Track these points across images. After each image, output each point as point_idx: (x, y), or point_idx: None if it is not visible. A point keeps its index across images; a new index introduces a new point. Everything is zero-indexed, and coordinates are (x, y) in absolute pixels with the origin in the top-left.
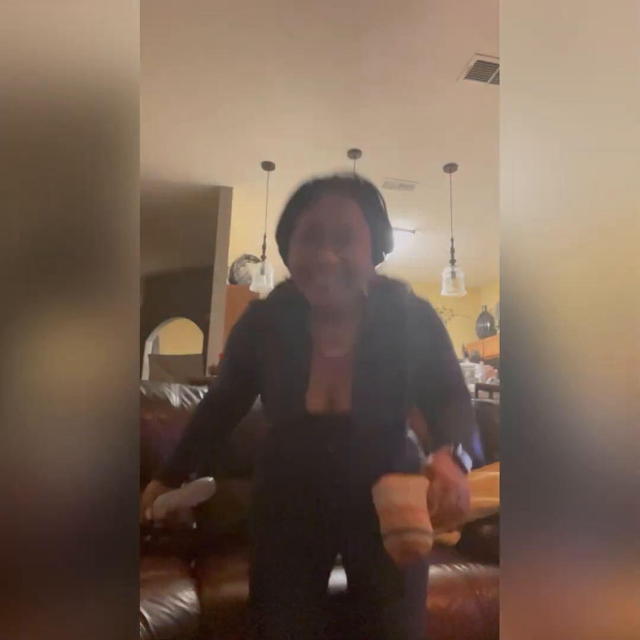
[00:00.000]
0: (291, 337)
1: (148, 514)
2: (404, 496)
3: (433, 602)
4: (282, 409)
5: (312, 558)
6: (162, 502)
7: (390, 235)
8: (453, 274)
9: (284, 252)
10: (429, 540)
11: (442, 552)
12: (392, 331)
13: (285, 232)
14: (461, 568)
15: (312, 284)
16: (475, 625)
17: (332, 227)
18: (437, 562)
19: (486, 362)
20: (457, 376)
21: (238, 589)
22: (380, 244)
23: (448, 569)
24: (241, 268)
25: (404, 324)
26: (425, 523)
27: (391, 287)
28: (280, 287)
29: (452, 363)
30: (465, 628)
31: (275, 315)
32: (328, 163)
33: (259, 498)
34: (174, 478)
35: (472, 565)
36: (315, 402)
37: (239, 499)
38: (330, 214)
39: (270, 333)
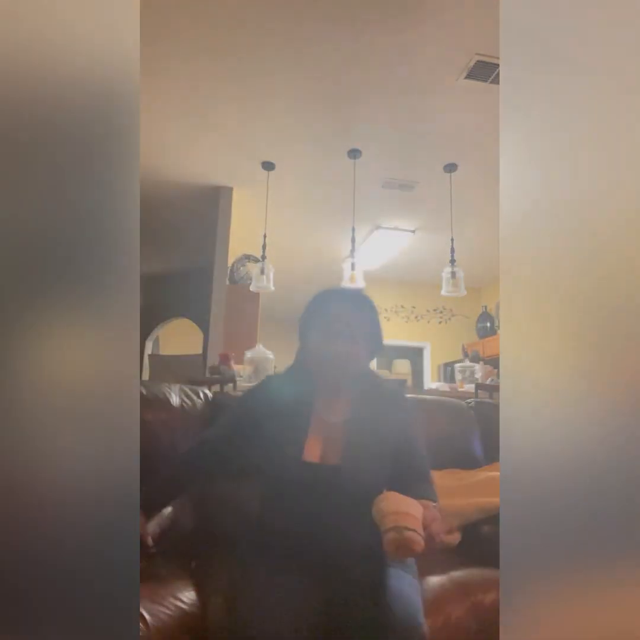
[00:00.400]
0: (296, 403)
1: (150, 541)
2: (406, 506)
3: (432, 607)
4: (282, 454)
5: (293, 586)
6: (153, 528)
7: (381, 338)
8: (453, 274)
9: (303, 339)
10: (423, 543)
11: (440, 557)
12: (376, 409)
13: (307, 325)
14: (457, 574)
15: (324, 366)
16: (472, 631)
17: (342, 327)
18: (436, 568)
19: (486, 362)
20: (426, 463)
21: None
22: (374, 344)
23: (444, 577)
24: (241, 268)
25: (385, 405)
26: (421, 530)
27: (377, 378)
28: (291, 368)
29: (422, 449)
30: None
31: (285, 387)
32: (328, 163)
33: (250, 534)
34: (156, 509)
35: (472, 569)
36: (310, 453)
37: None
38: (341, 318)
39: (279, 400)
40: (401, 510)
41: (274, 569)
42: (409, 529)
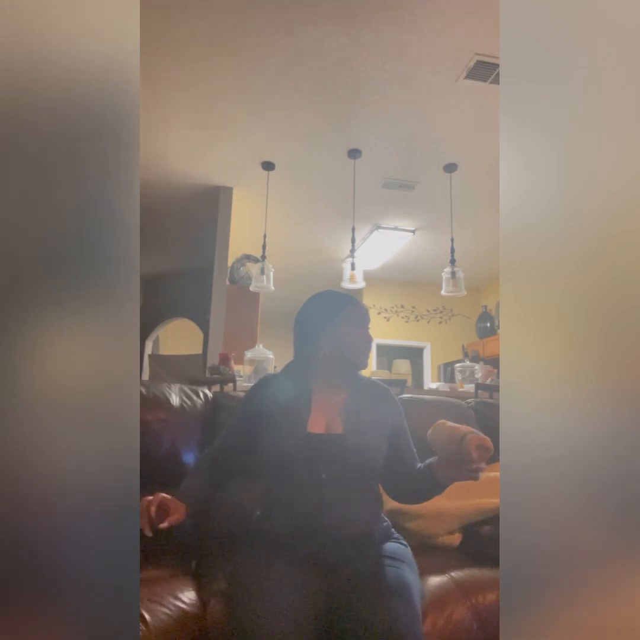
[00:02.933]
0: (297, 389)
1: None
2: (461, 425)
3: (432, 607)
4: (287, 429)
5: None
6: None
7: None
8: (453, 274)
9: (315, 334)
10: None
11: (441, 557)
12: (371, 394)
13: (322, 322)
14: (456, 574)
15: (358, 350)
16: (472, 631)
17: (366, 317)
18: (437, 568)
19: (486, 362)
20: (414, 453)
21: None
22: None
23: (445, 577)
24: (241, 268)
25: (378, 392)
26: None
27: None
28: (288, 364)
29: (409, 439)
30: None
31: (283, 381)
32: (328, 163)
33: (259, 521)
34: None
35: (472, 569)
36: (314, 426)
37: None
38: (363, 310)
39: (278, 392)
40: (463, 428)
41: (276, 560)
42: (478, 433)
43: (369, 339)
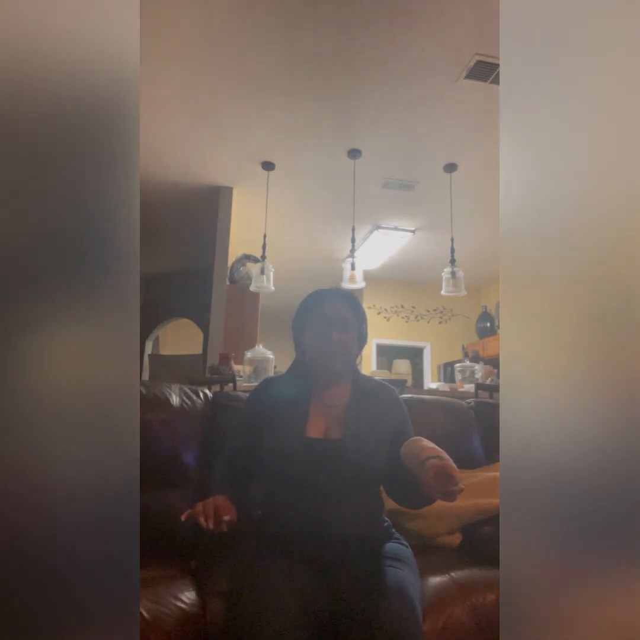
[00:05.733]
0: (296, 392)
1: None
2: (432, 445)
3: (432, 608)
4: (286, 434)
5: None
6: None
7: (366, 330)
8: (453, 274)
9: (298, 336)
10: (457, 471)
11: (441, 557)
12: (373, 395)
13: (301, 323)
14: (456, 574)
15: (323, 354)
16: (472, 632)
17: (336, 319)
18: (437, 568)
19: (486, 362)
20: None
21: None
22: (361, 338)
23: (445, 577)
24: (241, 268)
25: (381, 392)
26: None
27: (362, 373)
28: (289, 367)
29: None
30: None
31: (283, 384)
32: (328, 163)
33: (260, 525)
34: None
35: (473, 569)
36: (313, 430)
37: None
38: (335, 311)
39: (278, 395)
40: (433, 446)
41: (277, 561)
42: (444, 457)
43: (332, 343)
